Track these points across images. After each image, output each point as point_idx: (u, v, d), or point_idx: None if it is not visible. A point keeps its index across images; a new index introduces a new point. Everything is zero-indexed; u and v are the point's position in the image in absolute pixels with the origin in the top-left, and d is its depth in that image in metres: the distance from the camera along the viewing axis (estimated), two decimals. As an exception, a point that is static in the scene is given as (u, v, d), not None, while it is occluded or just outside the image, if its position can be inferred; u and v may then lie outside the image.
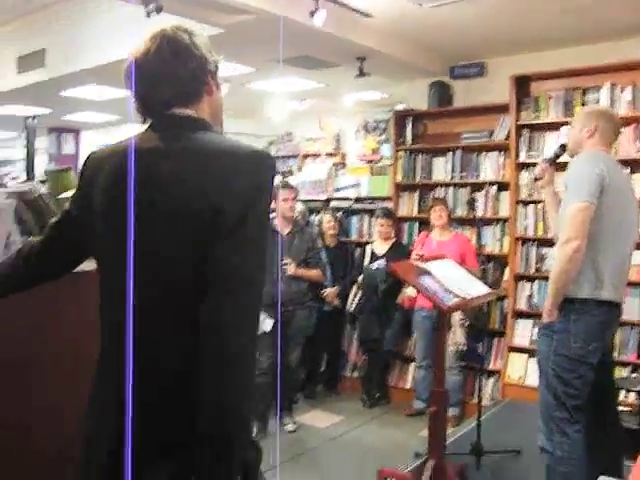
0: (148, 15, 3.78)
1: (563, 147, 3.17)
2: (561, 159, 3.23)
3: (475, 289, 3.60)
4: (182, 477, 1.30)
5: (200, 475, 1.28)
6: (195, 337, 1.26)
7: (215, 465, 1.26)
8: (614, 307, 2.86)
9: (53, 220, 1.62)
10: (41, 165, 10.38)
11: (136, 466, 1.30)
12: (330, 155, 9.50)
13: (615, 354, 4.64)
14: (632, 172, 4.74)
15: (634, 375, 4.51)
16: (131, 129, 1.49)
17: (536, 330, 5.23)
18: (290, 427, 5.01)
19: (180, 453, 1.32)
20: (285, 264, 4.78)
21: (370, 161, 8.12)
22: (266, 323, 4.75)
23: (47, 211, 2.25)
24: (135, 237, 1.31)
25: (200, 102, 1.47)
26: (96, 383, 1.45)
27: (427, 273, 3.43)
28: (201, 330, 1.26)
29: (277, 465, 3.91)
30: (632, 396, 4.15)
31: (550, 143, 5.18)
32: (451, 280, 3.45)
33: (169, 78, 1.41)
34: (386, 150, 7.23)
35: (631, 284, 4.71)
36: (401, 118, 6.23)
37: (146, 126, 1.47)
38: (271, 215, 5.35)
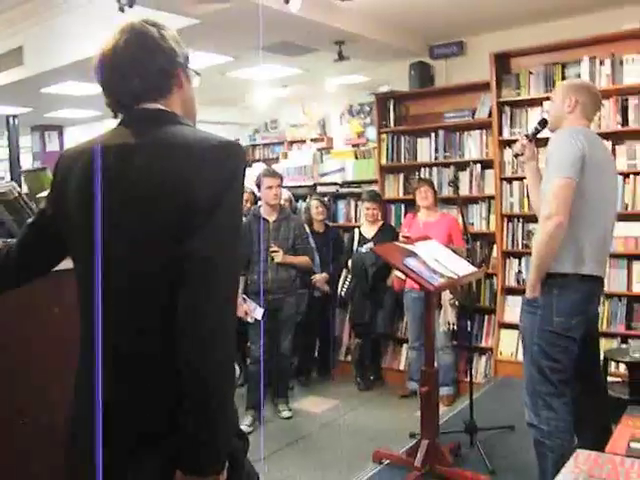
0: (122, 9, 3.76)
1: (544, 122, 3.14)
2: (542, 134, 3.22)
3: (461, 268, 3.62)
4: (165, 468, 1.31)
5: (183, 465, 1.29)
6: (172, 328, 1.27)
7: (199, 454, 1.28)
8: (596, 281, 2.87)
9: (29, 220, 1.63)
10: (26, 164, 10.36)
11: (118, 458, 1.32)
12: (315, 140, 9.50)
13: (604, 326, 4.71)
14: (613, 145, 4.76)
15: (623, 346, 4.55)
16: (114, 124, 1.49)
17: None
18: (286, 414, 5.03)
19: (162, 443, 1.33)
20: (273, 252, 4.78)
21: (356, 145, 8.12)
22: (257, 311, 4.76)
23: (26, 211, 2.25)
24: (108, 233, 1.33)
25: (170, 95, 1.47)
26: (77, 378, 1.47)
27: (413, 254, 3.44)
28: (179, 322, 1.27)
29: (262, 458, 4.00)
30: (622, 367, 4.19)
31: (532, 119, 5.19)
32: (437, 260, 3.47)
33: (138, 72, 1.41)
34: (371, 133, 7.22)
35: (618, 256, 4.77)
36: (383, 101, 6.22)
37: (117, 121, 1.47)
38: (258, 203, 5.37)
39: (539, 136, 3.22)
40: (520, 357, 5.11)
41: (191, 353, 1.27)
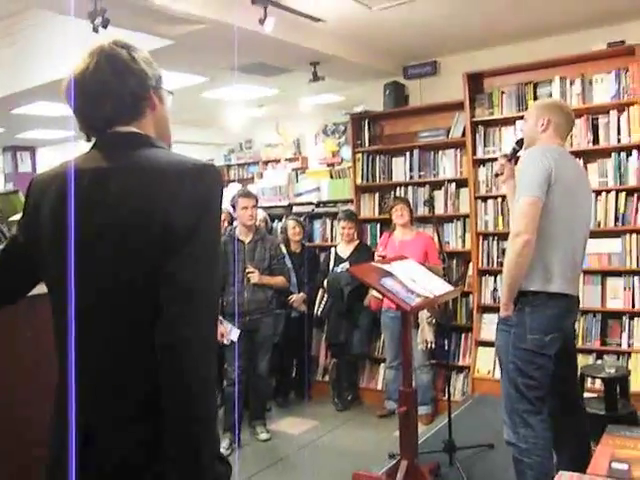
0: (95, 30, 3.73)
1: (520, 142, 3.19)
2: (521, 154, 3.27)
3: (437, 287, 3.63)
4: None
5: None
6: (152, 355, 1.25)
7: None
8: (568, 299, 2.88)
9: (0, 247, 1.59)
10: (-2, 185, 10.24)
11: None
12: (290, 160, 9.52)
13: (579, 342, 4.74)
14: (585, 163, 4.83)
15: (599, 362, 4.59)
16: (87, 146, 1.47)
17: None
18: (264, 435, 4.98)
19: (144, 475, 1.30)
20: (249, 272, 4.76)
21: (331, 164, 8.15)
22: (233, 333, 4.73)
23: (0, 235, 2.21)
24: (83, 260, 1.30)
25: (143, 118, 1.44)
26: (55, 405, 1.42)
27: (389, 274, 3.44)
28: (157, 347, 1.25)
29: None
30: (598, 383, 4.21)
31: (506, 138, 5.26)
32: (413, 280, 3.47)
33: (109, 96, 1.39)
34: (346, 152, 7.26)
35: (592, 272, 4.83)
36: (357, 120, 6.25)
37: (90, 145, 1.45)
38: (233, 224, 5.35)
39: (517, 155, 3.26)
40: (497, 375, 5.13)
41: (171, 380, 1.24)
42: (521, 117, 4.63)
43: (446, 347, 4.61)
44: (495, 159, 4.58)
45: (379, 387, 5.81)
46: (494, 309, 5.34)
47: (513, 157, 3.25)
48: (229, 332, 4.75)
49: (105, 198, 1.32)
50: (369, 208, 6.18)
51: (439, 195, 5.73)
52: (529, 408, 2.80)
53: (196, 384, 1.26)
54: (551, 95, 5.03)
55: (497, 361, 5.03)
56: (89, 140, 1.46)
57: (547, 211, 2.75)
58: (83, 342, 1.32)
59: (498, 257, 5.35)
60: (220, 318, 4.76)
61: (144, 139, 1.42)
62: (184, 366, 1.24)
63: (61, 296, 1.40)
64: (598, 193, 4.79)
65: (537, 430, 2.77)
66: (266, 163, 10.04)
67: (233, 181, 9.71)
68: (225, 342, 4.74)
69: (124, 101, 1.40)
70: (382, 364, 5.76)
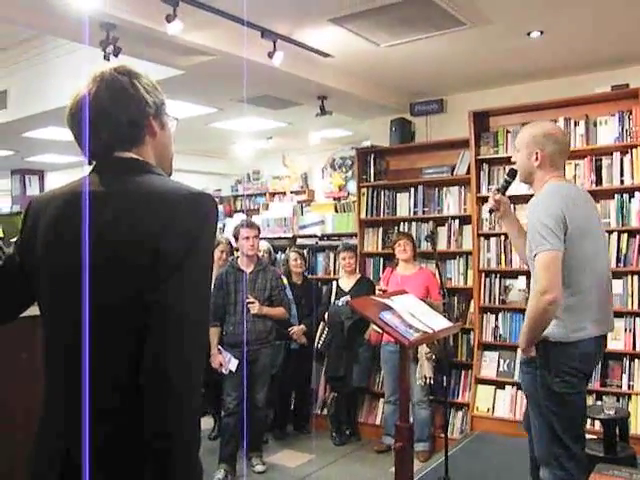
0: (107, 58, 3.81)
1: (513, 173, 3.00)
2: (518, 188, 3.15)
3: (437, 323, 3.62)
4: None
5: None
6: (136, 383, 1.24)
7: None
8: (597, 339, 2.76)
9: None
10: (5, 207, 10.31)
11: None
12: (297, 193, 9.58)
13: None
14: (589, 204, 4.84)
15: (598, 403, 4.54)
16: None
17: (502, 361, 5.27)
18: (259, 468, 4.93)
19: None
20: (249, 303, 4.76)
21: (337, 198, 8.19)
22: (232, 363, 4.72)
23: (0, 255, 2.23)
24: (73, 282, 1.30)
25: (143, 144, 1.46)
26: (35, 439, 1.41)
27: (388, 308, 3.44)
28: (145, 375, 1.24)
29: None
30: (597, 424, 4.17)
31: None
32: (412, 315, 3.47)
33: (107, 123, 1.41)
34: (353, 186, 7.30)
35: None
36: (363, 155, 6.30)
37: (90, 169, 1.47)
38: (235, 254, 5.37)
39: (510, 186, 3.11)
40: (497, 413, 5.16)
41: (155, 410, 1.23)
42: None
43: (445, 383, 4.57)
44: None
45: (378, 422, 5.76)
46: (495, 346, 5.34)
47: (506, 190, 3.07)
48: (228, 362, 4.74)
49: (99, 222, 1.32)
50: (372, 242, 6.20)
51: (442, 231, 5.75)
52: (564, 452, 2.69)
53: (182, 415, 1.25)
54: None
55: (503, 398, 5.08)
56: (90, 164, 1.48)
57: (569, 257, 2.63)
58: (68, 367, 1.32)
59: (500, 294, 5.35)
60: (219, 347, 4.76)
61: (142, 165, 1.43)
62: (169, 394, 1.23)
63: (51, 318, 1.41)
64: (600, 234, 4.79)
65: (574, 474, 2.66)
66: (273, 195, 10.10)
67: (240, 211, 9.77)
68: (224, 371, 4.73)
69: (122, 127, 1.42)
70: (381, 399, 5.72)
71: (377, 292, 5.01)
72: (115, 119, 1.41)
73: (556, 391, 2.68)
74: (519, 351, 2.86)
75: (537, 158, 2.83)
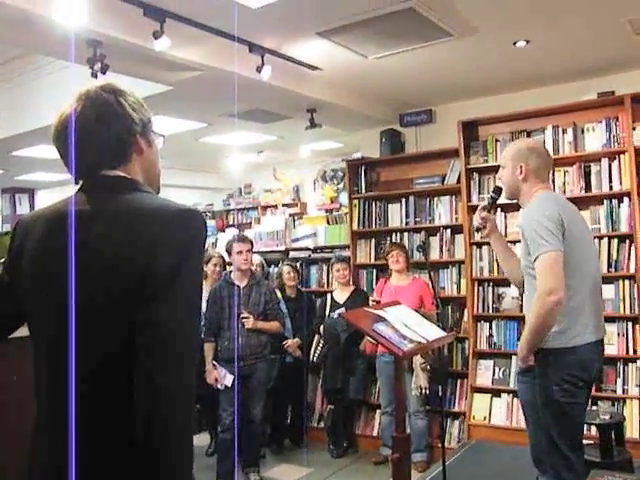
0: (94, 75, 3.81)
1: (499, 190, 3.04)
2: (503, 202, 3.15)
3: (431, 333, 3.62)
4: None
5: None
6: (127, 401, 1.22)
7: None
8: (594, 344, 2.77)
9: None
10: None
11: None
12: (289, 206, 9.58)
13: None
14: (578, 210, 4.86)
15: (594, 408, 4.54)
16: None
17: (498, 369, 5.27)
18: (257, 483, 4.92)
19: None
20: (244, 318, 4.75)
21: (329, 210, 8.19)
22: (227, 378, 4.70)
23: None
24: (64, 302, 1.29)
25: (129, 162, 1.45)
26: (29, 457, 1.40)
27: (382, 320, 3.44)
28: (135, 395, 1.23)
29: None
30: (593, 429, 4.17)
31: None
32: (406, 325, 3.47)
33: (93, 142, 1.41)
34: (344, 198, 7.30)
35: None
36: (354, 167, 6.31)
37: (77, 188, 1.46)
38: (227, 269, 5.37)
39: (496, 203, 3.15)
40: (493, 421, 5.14)
41: (147, 428, 1.22)
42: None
43: (441, 393, 4.57)
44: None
45: (375, 433, 5.74)
46: (490, 355, 5.34)
47: (492, 207, 3.10)
48: (223, 377, 4.73)
49: (87, 241, 1.32)
50: (365, 254, 6.20)
51: (434, 241, 5.77)
52: (563, 462, 2.69)
53: (173, 433, 1.24)
54: (544, 142, 5.09)
55: (500, 406, 5.08)
56: (77, 183, 1.47)
57: (566, 263, 2.64)
58: (57, 387, 1.30)
59: (493, 303, 5.35)
60: (214, 363, 4.74)
61: (129, 183, 1.43)
62: (159, 412, 1.22)
63: (40, 338, 1.40)
64: (591, 240, 4.82)
65: None
66: (265, 208, 10.10)
67: (232, 226, 9.75)
68: (219, 387, 4.72)
69: (109, 146, 1.42)
70: (378, 410, 5.71)
71: (371, 303, 5.01)
72: (101, 137, 1.41)
73: (555, 400, 2.67)
74: (514, 359, 2.86)
75: (521, 172, 2.87)
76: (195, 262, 1.36)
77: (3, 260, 1.56)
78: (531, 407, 2.78)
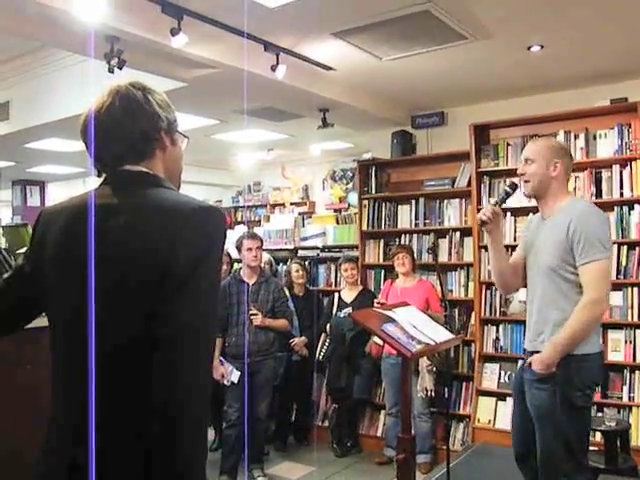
0: (111, 70, 3.84)
1: (514, 186, 2.97)
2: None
3: (439, 335, 3.63)
4: None
5: None
6: (144, 393, 1.24)
7: None
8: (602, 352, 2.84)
9: (5, 275, 1.60)
10: (6, 218, 10.34)
11: None
12: (298, 205, 9.60)
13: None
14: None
15: (599, 415, 4.55)
16: (96, 181, 1.50)
17: (503, 373, 5.27)
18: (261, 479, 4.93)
19: None
20: (252, 314, 4.77)
21: (338, 210, 8.20)
22: (234, 374, 4.72)
23: (5, 266, 2.25)
24: (84, 295, 1.30)
25: (153, 158, 1.48)
26: (44, 444, 1.41)
27: (391, 320, 3.45)
28: (153, 385, 1.24)
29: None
30: (598, 436, 4.17)
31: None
32: (414, 327, 3.48)
33: (120, 135, 1.43)
34: (353, 198, 7.32)
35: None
36: (365, 167, 6.32)
37: (100, 181, 1.49)
38: (234, 265, 5.38)
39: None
40: (498, 425, 5.13)
41: (163, 418, 1.23)
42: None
43: (446, 395, 4.58)
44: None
45: (379, 434, 5.76)
46: (496, 358, 5.35)
47: (504, 202, 2.99)
48: (229, 373, 4.74)
49: (109, 234, 1.34)
50: (374, 254, 6.21)
51: (443, 243, 5.77)
52: (577, 467, 2.69)
53: (189, 427, 1.26)
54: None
55: (504, 410, 5.07)
56: (99, 176, 1.50)
57: None
58: (73, 376, 1.32)
59: (501, 306, 5.35)
60: (221, 359, 4.76)
61: (152, 179, 1.45)
62: (177, 405, 1.24)
63: (59, 328, 1.42)
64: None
65: None
66: (274, 206, 10.11)
67: (240, 223, 9.78)
68: (225, 383, 4.73)
69: (134, 141, 1.45)
70: (382, 410, 5.72)
71: (375, 304, 5.01)
72: (128, 131, 1.44)
73: (577, 405, 2.67)
74: (520, 363, 2.86)
75: (555, 168, 2.82)
76: (215, 258, 1.38)
77: (25, 250, 1.59)
78: (550, 415, 2.71)
